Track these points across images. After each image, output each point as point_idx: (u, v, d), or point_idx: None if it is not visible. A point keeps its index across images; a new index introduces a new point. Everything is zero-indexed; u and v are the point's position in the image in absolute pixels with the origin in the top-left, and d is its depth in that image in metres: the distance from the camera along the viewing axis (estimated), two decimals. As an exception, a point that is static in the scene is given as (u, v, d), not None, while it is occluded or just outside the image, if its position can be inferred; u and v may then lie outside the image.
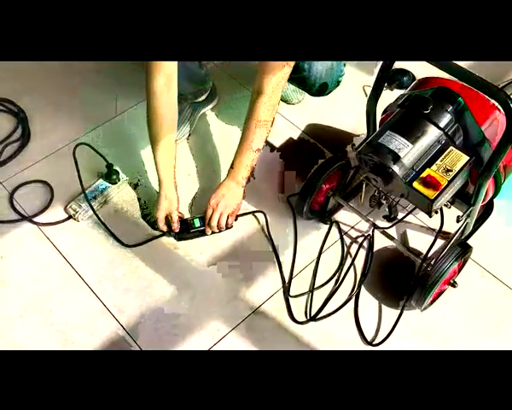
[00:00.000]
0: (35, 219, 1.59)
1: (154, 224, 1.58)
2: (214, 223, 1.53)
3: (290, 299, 1.46)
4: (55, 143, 1.76)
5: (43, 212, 1.60)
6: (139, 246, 1.54)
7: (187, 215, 1.61)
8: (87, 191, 1.60)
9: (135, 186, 1.68)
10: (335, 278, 1.51)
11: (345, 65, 1.72)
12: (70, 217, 1.59)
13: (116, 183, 1.65)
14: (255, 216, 1.62)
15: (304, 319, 1.44)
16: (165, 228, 1.55)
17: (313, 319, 1.43)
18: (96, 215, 1.58)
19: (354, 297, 1.47)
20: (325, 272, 1.52)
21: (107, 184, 1.64)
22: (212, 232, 1.56)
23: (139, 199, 1.65)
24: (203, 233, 1.56)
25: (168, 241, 1.57)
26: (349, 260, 1.54)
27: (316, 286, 1.49)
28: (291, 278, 1.50)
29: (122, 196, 1.66)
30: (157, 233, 1.57)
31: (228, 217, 1.54)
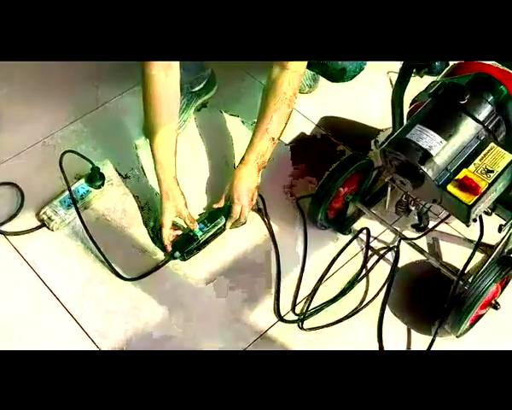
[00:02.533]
0: (2, 228, 1.59)
1: (158, 237, 1.58)
2: (237, 215, 1.57)
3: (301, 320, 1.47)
4: (27, 139, 1.76)
5: (12, 219, 1.61)
6: (136, 280, 1.52)
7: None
8: (63, 196, 1.61)
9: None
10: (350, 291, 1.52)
11: None
12: (43, 225, 1.59)
13: (100, 188, 1.65)
14: (264, 220, 1.64)
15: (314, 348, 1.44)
16: (169, 238, 1.55)
17: (303, 319, 1.45)
18: (83, 223, 1.56)
19: (378, 320, 1.47)
20: (339, 287, 1.53)
21: (89, 188, 1.64)
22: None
23: (141, 208, 1.65)
24: (209, 241, 1.57)
25: (157, 253, 1.57)
26: (372, 279, 1.54)
27: (326, 301, 1.50)
28: (296, 298, 1.50)
29: (105, 201, 1.66)
30: (153, 251, 1.57)
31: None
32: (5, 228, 1.59)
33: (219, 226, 1.58)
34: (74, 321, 1.45)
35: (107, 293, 1.50)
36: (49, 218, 1.58)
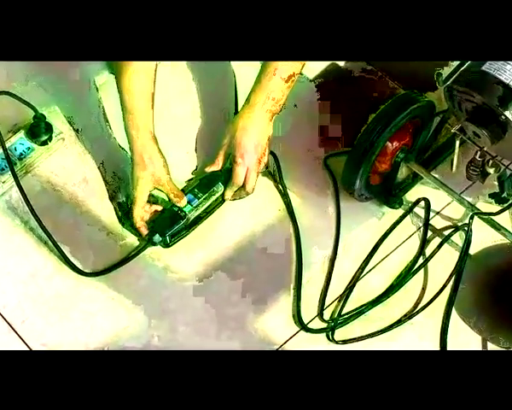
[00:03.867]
0: None
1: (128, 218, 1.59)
2: (241, 181, 1.56)
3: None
4: None
5: None
6: (101, 275, 1.55)
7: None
8: (-2, 154, 1.62)
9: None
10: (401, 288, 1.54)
11: None
12: (-35, 196, 1.61)
13: (46, 143, 1.66)
14: (279, 189, 1.65)
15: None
16: (143, 218, 1.56)
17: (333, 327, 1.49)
18: (22, 193, 1.56)
19: (441, 324, 1.50)
20: (385, 283, 1.56)
21: (31, 145, 1.65)
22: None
23: (104, 174, 1.67)
24: (202, 217, 1.59)
25: (129, 236, 1.58)
26: (432, 270, 1.56)
27: (368, 309, 1.52)
28: (324, 299, 1.52)
29: (54, 162, 1.68)
30: (124, 234, 1.59)
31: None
32: None
33: (215, 198, 1.59)
34: (13, 332, 1.47)
35: (58, 293, 1.51)
36: (-25, 187, 1.60)
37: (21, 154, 1.63)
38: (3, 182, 1.60)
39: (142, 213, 1.55)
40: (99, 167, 1.67)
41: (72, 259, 1.53)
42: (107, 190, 1.64)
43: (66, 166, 1.67)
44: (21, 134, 1.65)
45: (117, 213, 1.61)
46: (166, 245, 1.55)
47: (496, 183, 1.47)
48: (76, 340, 1.46)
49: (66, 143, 1.70)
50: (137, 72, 1.53)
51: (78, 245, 1.56)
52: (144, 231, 1.55)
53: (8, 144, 1.62)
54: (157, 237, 1.53)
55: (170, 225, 1.54)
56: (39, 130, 1.64)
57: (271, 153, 1.63)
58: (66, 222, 1.59)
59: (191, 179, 1.64)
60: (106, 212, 1.62)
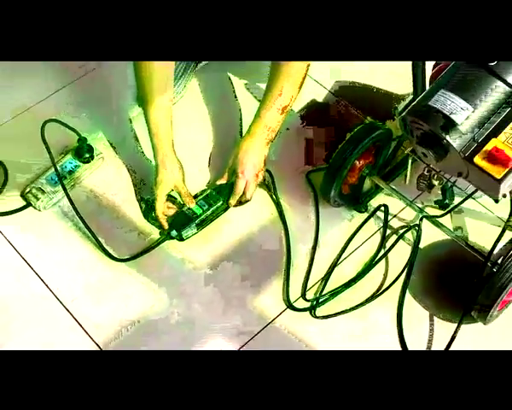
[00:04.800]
0: (-16, 208, 1.60)
1: (150, 213, 1.59)
2: (241, 191, 1.57)
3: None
4: (7, 111, 1.76)
5: (-5, 199, 1.62)
6: (129, 261, 1.54)
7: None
8: (50, 173, 1.61)
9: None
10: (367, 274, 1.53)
11: None
12: (29, 205, 1.60)
13: (89, 161, 1.65)
14: (272, 197, 1.65)
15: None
16: (164, 212, 1.56)
17: (315, 306, 1.48)
18: (71, 203, 1.56)
19: (397, 305, 1.49)
20: (355, 271, 1.55)
21: (78, 163, 1.64)
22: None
23: (135, 184, 1.67)
24: (210, 219, 1.57)
25: (153, 233, 1.58)
26: (391, 261, 1.55)
27: (339, 286, 1.51)
28: (306, 283, 1.52)
29: (96, 177, 1.67)
30: (150, 231, 1.58)
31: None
32: (-13, 208, 1.60)
33: (221, 204, 1.58)
34: (65, 309, 1.46)
35: (100, 278, 1.51)
36: (34, 197, 1.59)
37: (70, 170, 1.62)
38: (57, 193, 1.59)
39: (162, 208, 1.55)
40: (131, 176, 1.67)
41: (110, 250, 1.54)
42: (136, 193, 1.64)
43: (105, 179, 1.67)
44: (70, 155, 1.64)
45: (141, 209, 1.60)
46: (181, 239, 1.55)
47: (440, 192, 1.47)
48: (112, 314, 1.46)
49: (106, 160, 1.69)
50: (159, 106, 1.55)
51: (115, 240, 1.56)
52: (165, 224, 1.55)
53: (60, 163, 1.63)
54: (174, 232, 1.54)
55: (184, 223, 1.54)
56: (83, 150, 1.63)
57: (267, 170, 1.64)
58: (106, 223, 1.58)
59: (204, 190, 1.62)
60: (136, 216, 1.61)
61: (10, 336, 1.42)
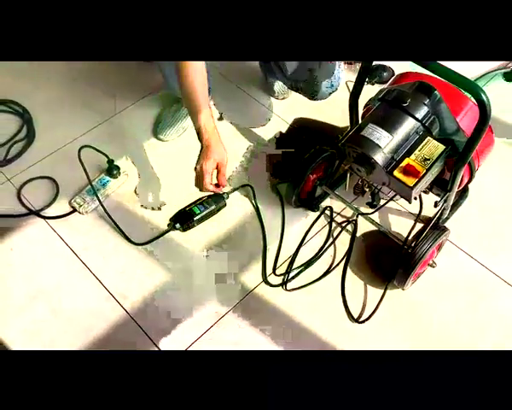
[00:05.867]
0: (42, 213, 1.59)
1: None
2: (208, 180, 1.40)
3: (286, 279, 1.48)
4: (59, 141, 1.75)
5: (50, 206, 1.60)
6: (146, 244, 1.52)
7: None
8: (88, 187, 1.60)
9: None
10: (320, 257, 1.53)
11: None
12: (74, 210, 1.59)
13: (117, 177, 1.65)
14: (252, 203, 1.62)
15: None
16: (212, 185, 1.41)
17: (285, 282, 1.47)
18: (103, 207, 1.56)
19: (341, 278, 1.47)
20: (312, 255, 1.53)
21: (109, 179, 1.64)
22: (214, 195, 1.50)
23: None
24: (205, 218, 1.54)
25: (164, 226, 1.56)
26: (337, 246, 1.55)
27: (300, 265, 1.50)
28: (276, 260, 1.50)
29: (123, 189, 1.66)
30: (162, 227, 1.54)
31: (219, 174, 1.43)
32: (45, 213, 1.59)
33: (214, 207, 1.54)
34: (101, 285, 1.46)
35: (126, 263, 1.50)
36: (78, 204, 1.58)
37: (104, 184, 1.62)
38: (95, 201, 1.58)
39: (210, 180, 1.41)
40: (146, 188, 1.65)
41: (131, 238, 1.52)
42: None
43: (130, 190, 1.65)
44: (103, 173, 1.64)
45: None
46: (184, 230, 1.52)
47: (370, 196, 1.47)
48: (137, 287, 1.45)
49: (130, 176, 1.68)
50: (196, 70, 1.35)
51: (135, 231, 1.54)
52: (215, 189, 1.44)
53: (97, 179, 1.62)
54: (178, 225, 1.51)
55: (186, 219, 1.52)
56: (111, 169, 1.63)
57: (249, 185, 1.62)
58: (131, 224, 1.57)
59: (204, 196, 1.58)
60: (150, 215, 1.59)
61: (63, 307, 1.42)
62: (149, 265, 1.50)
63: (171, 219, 1.55)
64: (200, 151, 1.41)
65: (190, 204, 1.56)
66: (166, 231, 1.53)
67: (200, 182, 1.42)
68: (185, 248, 1.54)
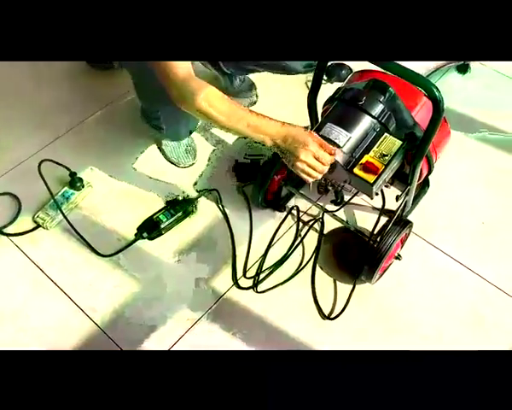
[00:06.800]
0: (4, 231, 1.57)
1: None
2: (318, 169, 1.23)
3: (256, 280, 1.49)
4: (19, 156, 1.73)
5: (12, 223, 1.58)
6: (114, 255, 1.51)
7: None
8: (51, 201, 1.58)
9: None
10: (290, 257, 1.54)
11: None
12: (38, 226, 1.57)
13: (80, 189, 1.63)
14: (219, 207, 1.63)
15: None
16: (326, 162, 1.23)
17: (256, 284, 1.47)
18: (68, 221, 1.54)
19: (310, 277, 1.48)
20: (281, 255, 1.54)
21: (73, 191, 1.62)
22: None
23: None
24: (173, 225, 1.55)
25: (131, 237, 1.56)
26: (306, 245, 1.56)
27: (270, 266, 1.50)
28: (246, 263, 1.51)
29: (87, 201, 1.65)
30: (129, 237, 1.54)
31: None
32: (8, 230, 1.57)
33: (181, 214, 1.56)
34: (69, 300, 1.45)
35: (95, 276, 1.49)
36: (42, 220, 1.57)
37: (67, 198, 1.60)
38: (59, 215, 1.57)
39: (320, 164, 1.23)
40: (113, 201, 1.64)
41: (98, 250, 1.52)
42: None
43: (94, 202, 1.64)
44: (66, 186, 1.63)
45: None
46: (151, 238, 1.53)
47: (333, 194, 1.49)
48: (105, 300, 1.44)
49: (94, 188, 1.67)
50: (238, 117, 1.22)
51: (101, 243, 1.54)
52: (332, 160, 1.25)
53: (60, 192, 1.61)
54: (145, 234, 1.52)
55: (153, 227, 1.53)
56: (74, 182, 1.61)
57: (215, 189, 1.63)
58: (97, 236, 1.56)
59: (169, 204, 1.61)
60: (116, 225, 1.58)
61: (31, 324, 1.41)
62: (118, 276, 1.50)
63: (137, 229, 1.55)
64: (286, 153, 1.24)
65: (157, 212, 1.57)
66: (134, 241, 1.53)
67: (314, 171, 1.24)
68: (154, 256, 1.53)
